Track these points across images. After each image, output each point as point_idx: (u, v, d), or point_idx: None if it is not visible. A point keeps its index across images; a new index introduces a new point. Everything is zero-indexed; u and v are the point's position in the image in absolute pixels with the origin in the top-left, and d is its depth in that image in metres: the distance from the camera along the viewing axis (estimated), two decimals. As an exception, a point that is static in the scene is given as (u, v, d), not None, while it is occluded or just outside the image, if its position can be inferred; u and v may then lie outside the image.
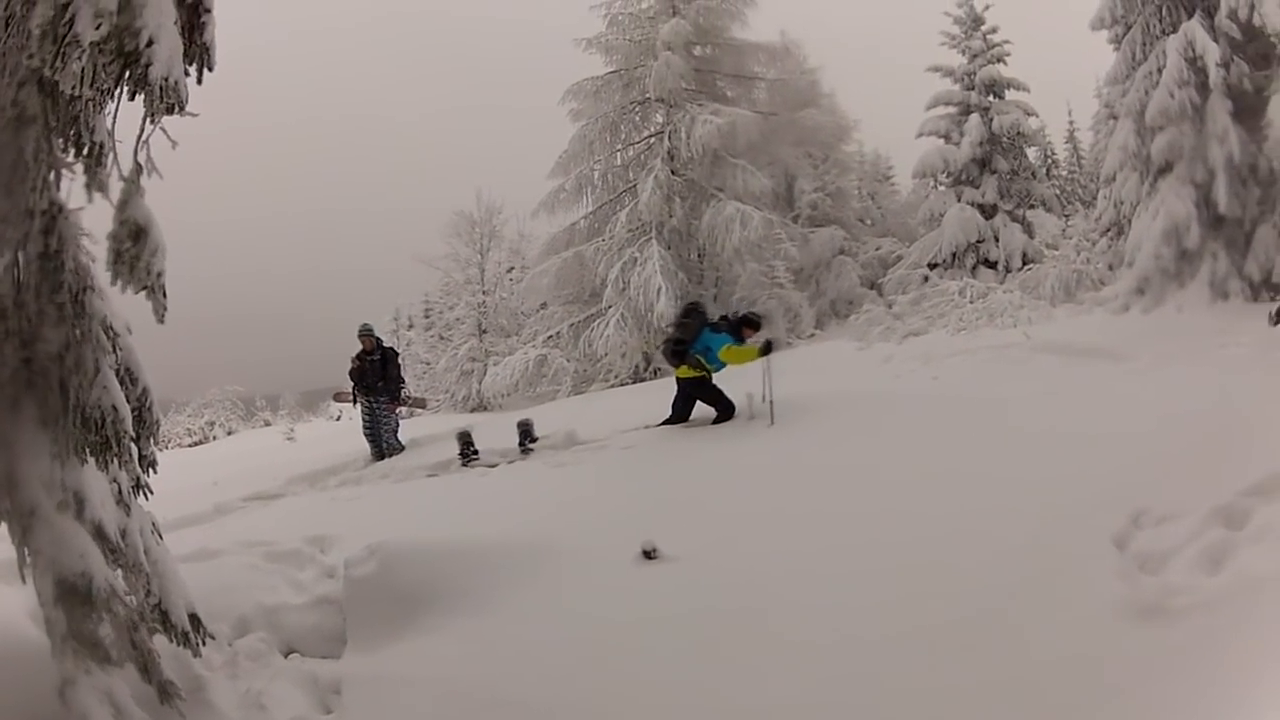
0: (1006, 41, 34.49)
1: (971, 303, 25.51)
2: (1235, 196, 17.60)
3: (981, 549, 7.08)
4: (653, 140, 31.74)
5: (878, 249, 35.42)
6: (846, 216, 35.94)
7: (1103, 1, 20.24)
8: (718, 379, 14.08)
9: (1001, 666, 5.57)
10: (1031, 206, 34.31)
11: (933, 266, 32.63)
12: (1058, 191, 40.47)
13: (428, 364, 38.81)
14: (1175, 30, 18.47)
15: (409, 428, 20.19)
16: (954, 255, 32.69)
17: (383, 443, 17.87)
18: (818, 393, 13.83)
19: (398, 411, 18.87)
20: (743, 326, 14.13)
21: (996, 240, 32.73)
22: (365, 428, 18.13)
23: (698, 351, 13.70)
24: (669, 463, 12.13)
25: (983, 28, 34.59)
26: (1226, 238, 18.30)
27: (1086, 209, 34.21)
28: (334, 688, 6.31)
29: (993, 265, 32.37)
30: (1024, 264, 31.01)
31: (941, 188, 34.57)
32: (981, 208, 33.15)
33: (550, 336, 30.58)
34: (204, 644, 5.98)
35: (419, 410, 27.82)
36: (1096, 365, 14.40)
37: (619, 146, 32.31)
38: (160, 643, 5.66)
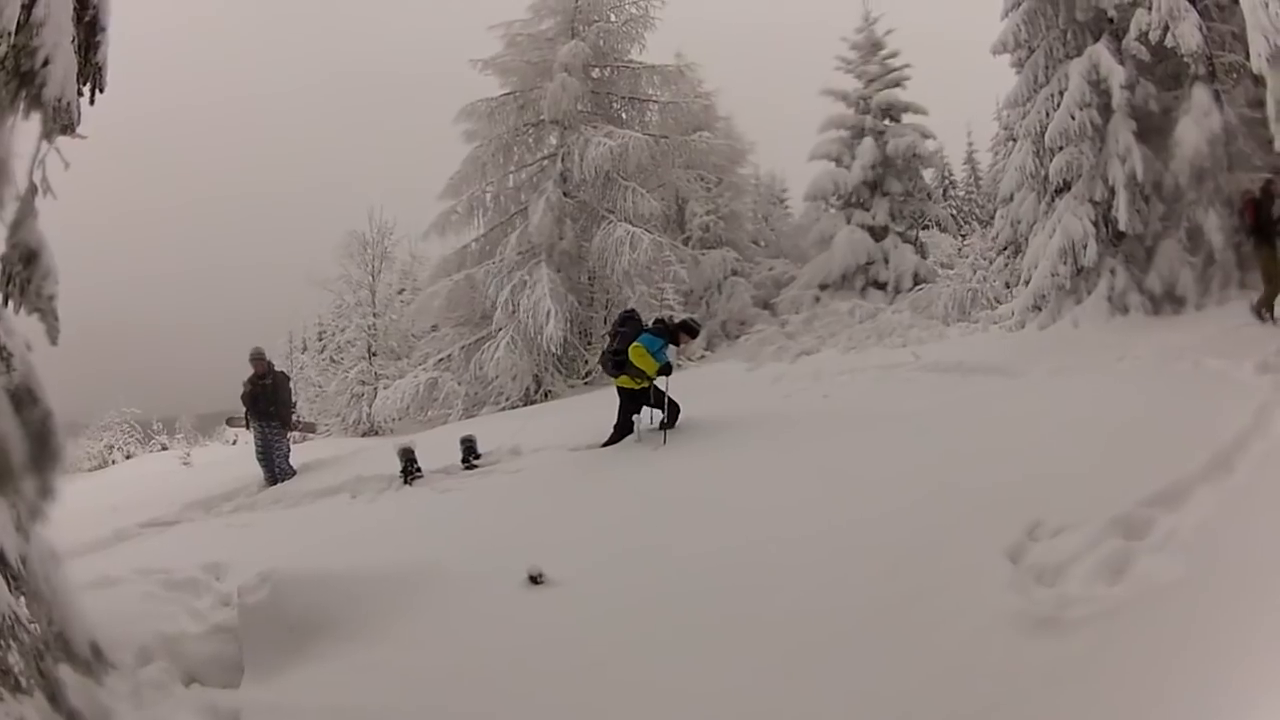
0: (906, 66, 34.94)
1: (861, 323, 25.97)
2: (1137, 213, 17.92)
3: (869, 564, 7.10)
4: (546, 162, 31.64)
5: (771, 269, 35.57)
6: (740, 238, 36.06)
7: (1006, 26, 20.48)
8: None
9: (889, 680, 5.54)
10: (925, 227, 34.96)
11: (823, 287, 32.86)
12: (954, 212, 41.07)
13: (319, 387, 38.40)
14: (1080, 54, 18.83)
15: (300, 452, 20.04)
16: (844, 276, 32.89)
17: (275, 468, 17.90)
18: (708, 414, 14.18)
19: (289, 436, 18.79)
20: (679, 332, 14.31)
21: (886, 261, 33.10)
22: (258, 453, 18.27)
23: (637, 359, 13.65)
24: (556, 487, 12.24)
25: (882, 53, 35.07)
26: (1126, 253, 18.68)
27: (984, 228, 34.86)
28: (234, 716, 6.12)
29: (882, 286, 32.76)
30: (915, 284, 31.61)
31: (832, 210, 34.75)
32: (872, 229, 33.49)
33: (441, 359, 30.31)
34: (107, 673, 5.90)
35: (310, 435, 27.55)
36: (988, 381, 14.75)
37: (512, 168, 32.14)
38: (67, 672, 5.55)
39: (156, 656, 6.75)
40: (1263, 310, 14.87)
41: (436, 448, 15.57)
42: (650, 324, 14.29)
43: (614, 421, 14.31)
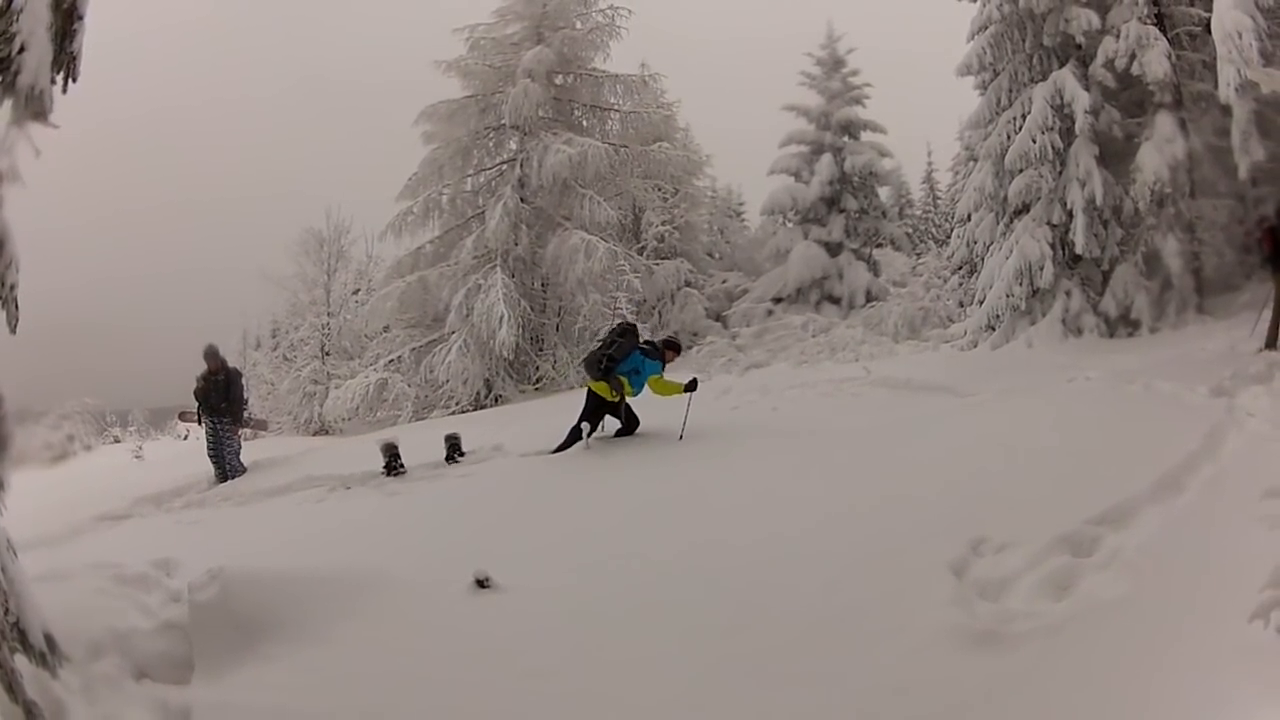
0: (867, 85, 35.15)
1: (814, 337, 26.19)
2: (1094, 237, 18.27)
3: (813, 573, 7.09)
4: (504, 167, 31.49)
5: (724, 282, 35.68)
6: (694, 250, 36.10)
7: (971, 48, 20.86)
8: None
9: (831, 691, 5.47)
10: (879, 245, 35.14)
11: (777, 301, 33.05)
12: (909, 230, 41.50)
13: (272, 385, 37.95)
14: (1045, 78, 19.28)
15: (251, 450, 19.75)
16: (799, 291, 33.13)
17: (226, 465, 17.70)
18: (656, 425, 14.07)
19: (240, 434, 18.58)
20: (666, 350, 14.44)
21: (840, 277, 33.32)
22: (209, 449, 18.03)
23: (624, 372, 13.73)
24: (504, 494, 12.05)
25: (843, 70, 35.23)
26: (1082, 276, 19.09)
27: (940, 247, 35.36)
28: (184, 714, 5.91)
29: (836, 301, 32.92)
30: (868, 301, 31.79)
31: (789, 225, 34.99)
32: (827, 245, 33.71)
33: (392, 360, 30.07)
34: (61, 666, 5.84)
35: (261, 433, 27.18)
36: (938, 399, 14.81)
37: (470, 172, 32.04)
38: (23, 662, 5.47)
39: (107, 651, 6.50)
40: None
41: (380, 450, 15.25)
42: (641, 344, 14.25)
43: (570, 425, 14.09)
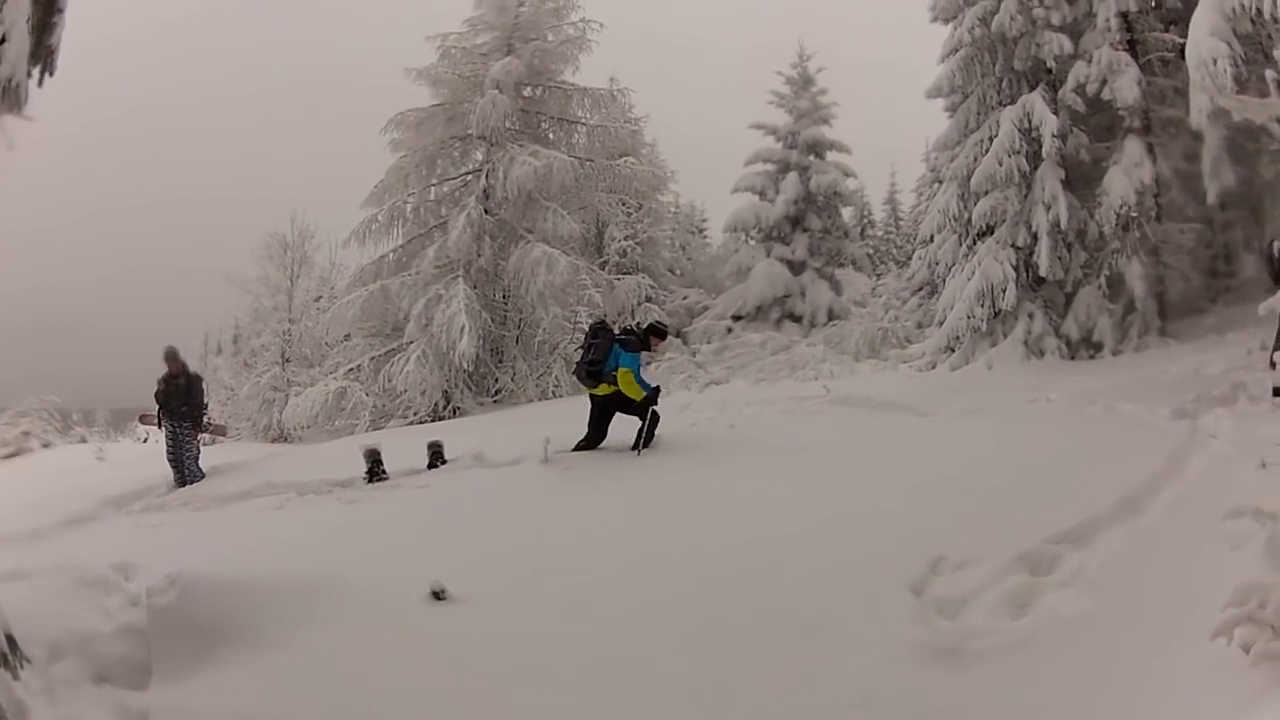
0: (834, 104, 35.43)
1: (773, 355, 26.09)
2: (1058, 260, 18.44)
3: (768, 594, 7.06)
4: (469, 177, 31.29)
5: (685, 298, 35.76)
6: (656, 265, 36.09)
7: (941, 71, 21.12)
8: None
9: (790, 706, 5.52)
10: (841, 265, 35.24)
11: (738, 318, 33.18)
12: (870, 251, 41.69)
13: (232, 390, 37.29)
14: (1014, 102, 19.39)
15: (209, 455, 19.22)
16: (759, 308, 33.28)
17: (185, 469, 17.40)
18: (615, 439, 14.08)
19: (200, 438, 18.28)
20: (649, 335, 14.37)
21: (803, 296, 33.52)
22: (169, 452, 17.74)
23: (612, 369, 13.64)
24: (466, 503, 11.98)
25: (812, 89, 35.53)
26: (1045, 298, 19.29)
27: (900, 268, 35.41)
28: (143, 718, 5.85)
29: (798, 320, 33.07)
30: (829, 320, 31.96)
31: (752, 242, 35.15)
32: (790, 264, 33.94)
33: (351, 369, 29.79)
34: (22, 667, 5.79)
35: (220, 438, 27.06)
36: (899, 418, 14.77)
37: (435, 181, 31.83)
38: (-19, 664, 5.39)
39: (67, 654, 6.46)
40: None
41: (346, 458, 15.25)
42: (619, 335, 14.20)
43: (587, 432, 14.22)
